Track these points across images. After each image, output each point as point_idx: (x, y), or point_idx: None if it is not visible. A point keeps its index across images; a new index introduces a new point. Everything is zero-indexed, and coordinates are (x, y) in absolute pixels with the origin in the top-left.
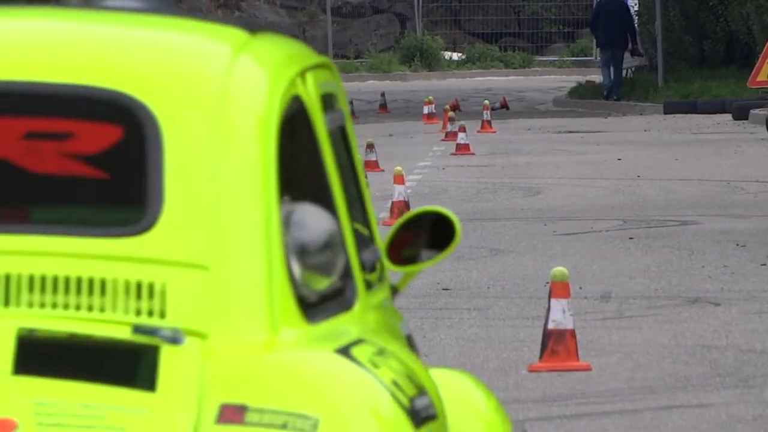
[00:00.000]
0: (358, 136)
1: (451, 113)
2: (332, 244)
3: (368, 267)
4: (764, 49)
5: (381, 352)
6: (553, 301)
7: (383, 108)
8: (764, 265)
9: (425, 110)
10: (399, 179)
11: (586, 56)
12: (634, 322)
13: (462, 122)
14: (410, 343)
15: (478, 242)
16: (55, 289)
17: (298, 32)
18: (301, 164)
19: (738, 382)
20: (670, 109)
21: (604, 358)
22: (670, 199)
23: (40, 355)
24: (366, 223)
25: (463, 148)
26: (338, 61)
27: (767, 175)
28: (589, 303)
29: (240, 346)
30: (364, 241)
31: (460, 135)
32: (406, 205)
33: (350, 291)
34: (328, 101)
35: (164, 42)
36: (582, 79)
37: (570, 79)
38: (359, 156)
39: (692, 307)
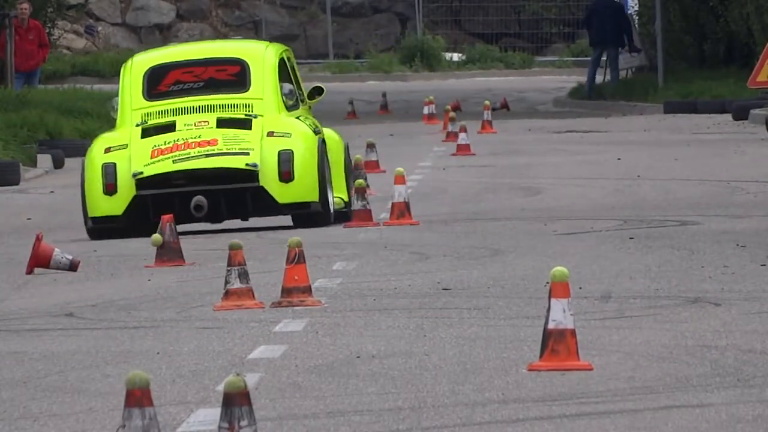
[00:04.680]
0: (359, 136)
1: (451, 114)
2: (293, 94)
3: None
4: (764, 49)
5: (305, 118)
6: (553, 300)
7: (384, 108)
8: (764, 265)
9: (426, 111)
10: (400, 180)
11: (586, 56)
12: (634, 322)
13: (462, 123)
14: (318, 130)
15: (478, 242)
16: None
17: (299, 32)
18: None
19: (738, 382)
20: (670, 109)
21: (604, 358)
22: (670, 199)
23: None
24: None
25: (463, 149)
26: (338, 61)
27: (767, 175)
28: (589, 303)
29: (272, 116)
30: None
31: (461, 135)
32: (406, 206)
33: (298, 104)
34: None
35: None
36: (582, 79)
37: (570, 80)
38: None
39: (692, 307)
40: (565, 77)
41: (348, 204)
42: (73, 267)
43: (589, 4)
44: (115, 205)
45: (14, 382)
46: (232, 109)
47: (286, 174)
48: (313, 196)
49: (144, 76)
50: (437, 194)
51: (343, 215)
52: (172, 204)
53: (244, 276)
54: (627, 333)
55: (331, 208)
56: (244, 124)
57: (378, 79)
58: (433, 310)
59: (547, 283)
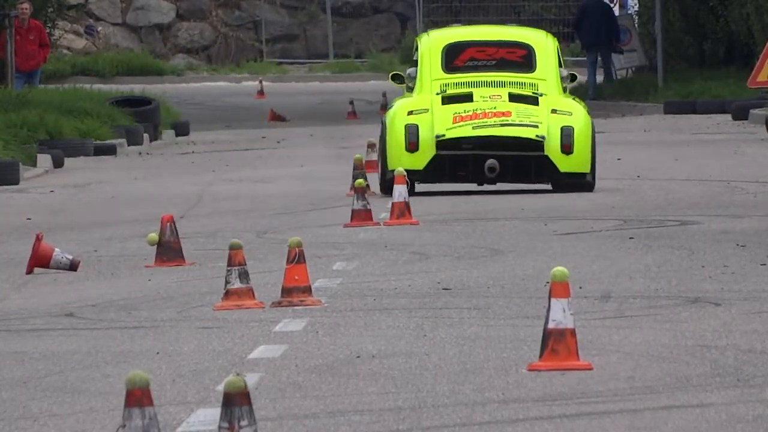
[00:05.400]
0: (360, 136)
1: None
2: (567, 78)
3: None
4: (764, 49)
5: (576, 100)
6: (553, 300)
7: (384, 108)
8: (764, 265)
9: None
10: (400, 179)
11: (585, 57)
12: (634, 322)
13: None
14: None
15: (478, 242)
16: None
17: (299, 32)
18: None
19: (738, 382)
20: (670, 110)
21: (604, 358)
22: (670, 199)
23: None
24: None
25: None
26: (338, 61)
27: (767, 175)
28: (589, 303)
29: (553, 95)
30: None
31: None
32: (406, 206)
33: (567, 88)
34: None
35: None
36: (582, 79)
37: None
38: None
39: (692, 307)
40: None
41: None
42: (73, 267)
43: (579, 5)
44: (417, 161)
45: (14, 382)
46: (521, 86)
47: (567, 147)
48: (587, 167)
49: (443, 51)
50: (437, 194)
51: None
52: (466, 165)
53: (244, 276)
54: (627, 333)
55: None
56: (532, 100)
57: (378, 79)
58: (433, 310)
59: (547, 283)
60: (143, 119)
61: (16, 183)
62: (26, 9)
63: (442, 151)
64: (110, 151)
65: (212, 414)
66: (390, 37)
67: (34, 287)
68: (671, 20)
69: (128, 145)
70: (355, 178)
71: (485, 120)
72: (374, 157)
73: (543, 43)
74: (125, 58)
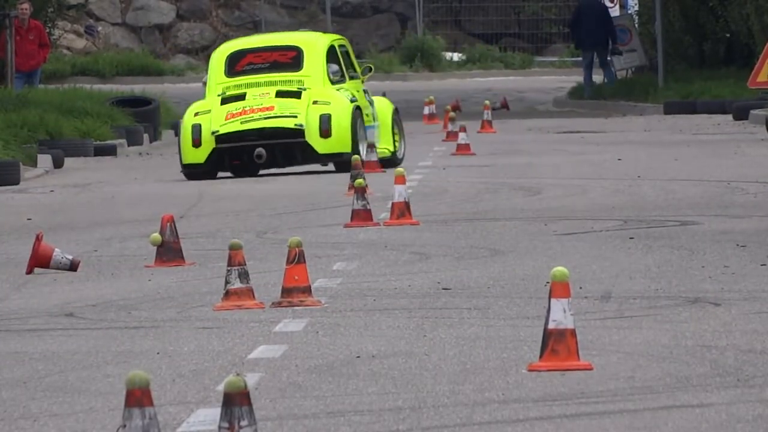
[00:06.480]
0: None
1: (451, 113)
2: (338, 72)
3: (349, 77)
4: (764, 50)
5: (347, 90)
6: (553, 300)
7: None
8: (764, 265)
9: (426, 110)
10: (400, 180)
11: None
12: (634, 322)
13: (462, 122)
14: (354, 99)
15: (478, 242)
16: None
17: None
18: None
19: (738, 382)
20: (670, 110)
21: (604, 358)
22: (670, 199)
23: None
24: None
25: (463, 148)
26: None
27: (767, 175)
28: (589, 303)
29: (318, 89)
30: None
31: (461, 135)
32: (406, 206)
33: (344, 80)
34: None
35: None
36: (582, 79)
37: (570, 80)
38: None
39: (692, 307)
40: (564, 77)
41: (394, 153)
42: (73, 267)
43: (575, 5)
44: (199, 155)
45: (14, 382)
46: (289, 84)
47: (325, 132)
48: (347, 148)
49: (226, 59)
50: (437, 194)
51: (390, 162)
52: (241, 155)
53: (244, 276)
54: (627, 333)
55: (363, 157)
56: (296, 95)
57: (378, 79)
58: (433, 310)
59: (547, 283)
60: (143, 119)
61: (17, 183)
62: (26, 9)
63: (219, 145)
64: (110, 151)
65: (212, 414)
66: (390, 37)
67: (34, 287)
68: (671, 20)
69: (128, 145)
70: (354, 178)
71: (251, 115)
72: (374, 157)
73: (313, 44)
74: (125, 58)
